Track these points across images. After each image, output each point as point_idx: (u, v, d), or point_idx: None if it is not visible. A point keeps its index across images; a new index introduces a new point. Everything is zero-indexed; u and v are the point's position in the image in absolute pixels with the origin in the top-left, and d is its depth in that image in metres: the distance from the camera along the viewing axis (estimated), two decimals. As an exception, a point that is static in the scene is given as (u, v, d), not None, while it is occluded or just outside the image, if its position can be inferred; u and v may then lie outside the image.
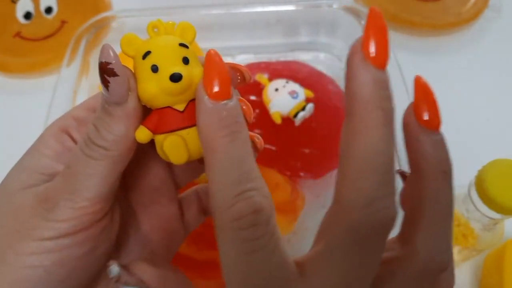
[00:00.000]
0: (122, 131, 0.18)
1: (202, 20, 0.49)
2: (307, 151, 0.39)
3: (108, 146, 0.18)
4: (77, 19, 0.52)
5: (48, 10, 0.53)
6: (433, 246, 0.17)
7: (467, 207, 0.33)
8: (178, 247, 0.25)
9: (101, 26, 0.47)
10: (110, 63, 0.18)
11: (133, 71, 0.19)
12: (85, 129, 0.19)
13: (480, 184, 0.29)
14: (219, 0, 0.48)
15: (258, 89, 0.40)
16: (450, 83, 0.50)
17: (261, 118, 0.39)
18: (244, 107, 0.19)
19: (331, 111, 0.42)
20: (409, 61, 0.45)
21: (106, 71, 0.18)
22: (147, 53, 0.18)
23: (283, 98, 0.38)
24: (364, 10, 0.46)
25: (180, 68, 0.18)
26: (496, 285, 0.35)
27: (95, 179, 0.19)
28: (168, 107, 0.19)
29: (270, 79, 0.40)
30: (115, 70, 0.18)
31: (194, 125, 0.19)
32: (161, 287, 0.21)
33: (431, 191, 0.17)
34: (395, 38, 0.51)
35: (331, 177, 0.41)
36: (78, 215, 0.19)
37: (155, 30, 0.19)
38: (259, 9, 0.48)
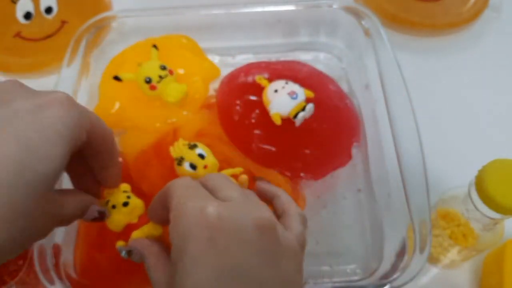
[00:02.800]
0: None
1: (202, 20, 0.49)
2: (307, 151, 0.39)
3: None
4: (77, 19, 0.52)
5: (48, 10, 0.53)
6: None
7: (467, 207, 0.33)
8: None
9: (101, 26, 0.47)
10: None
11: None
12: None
13: (480, 184, 0.29)
14: (219, 0, 0.48)
15: (258, 89, 0.40)
16: (450, 83, 0.50)
17: (261, 118, 0.39)
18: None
19: (332, 111, 0.41)
20: (409, 61, 0.45)
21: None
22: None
23: (283, 99, 0.38)
24: (364, 10, 0.46)
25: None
26: (496, 285, 0.35)
27: None
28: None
29: (270, 80, 0.40)
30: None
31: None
32: (145, 252, 0.27)
33: None
34: (395, 38, 0.51)
35: (332, 177, 0.41)
36: None
37: None
38: (259, 9, 0.48)
